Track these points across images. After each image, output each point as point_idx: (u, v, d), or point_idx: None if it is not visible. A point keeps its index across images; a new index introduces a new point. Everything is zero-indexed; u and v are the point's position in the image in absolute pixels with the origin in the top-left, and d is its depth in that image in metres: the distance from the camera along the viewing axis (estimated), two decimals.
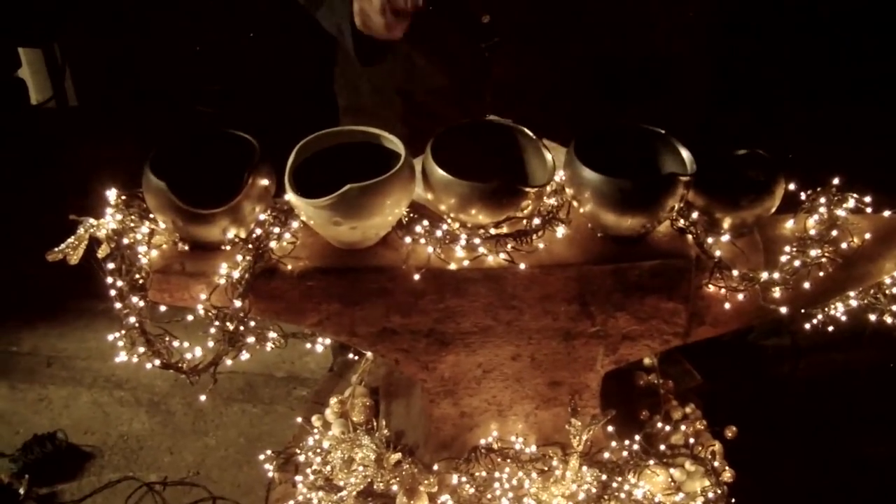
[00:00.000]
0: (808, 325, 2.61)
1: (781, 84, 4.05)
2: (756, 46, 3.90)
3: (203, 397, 2.34)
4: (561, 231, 2.27)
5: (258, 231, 2.20)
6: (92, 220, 2.19)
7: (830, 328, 2.60)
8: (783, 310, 2.32)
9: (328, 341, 2.43)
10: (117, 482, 3.49)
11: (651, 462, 2.67)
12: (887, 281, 2.47)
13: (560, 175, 2.27)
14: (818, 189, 2.41)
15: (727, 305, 2.33)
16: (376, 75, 2.77)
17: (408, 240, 2.23)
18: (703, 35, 3.16)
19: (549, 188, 2.24)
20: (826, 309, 2.58)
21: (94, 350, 4.25)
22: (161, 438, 3.73)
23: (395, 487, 2.64)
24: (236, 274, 2.14)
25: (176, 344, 2.19)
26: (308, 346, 2.47)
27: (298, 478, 2.78)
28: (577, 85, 2.80)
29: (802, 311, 2.53)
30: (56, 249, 2.20)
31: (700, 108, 3.31)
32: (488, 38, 2.58)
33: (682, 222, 2.30)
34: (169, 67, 4.85)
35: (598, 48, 2.74)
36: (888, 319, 2.53)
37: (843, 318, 2.58)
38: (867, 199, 2.41)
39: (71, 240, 2.20)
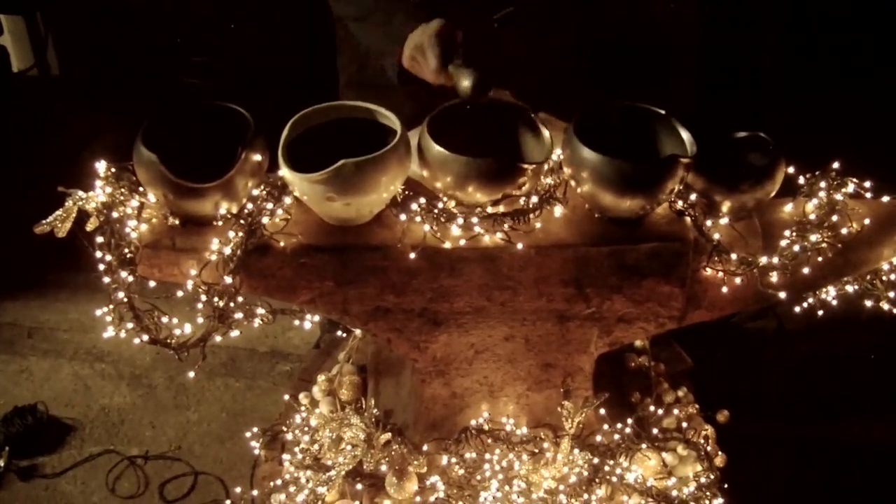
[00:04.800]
0: (798, 308, 2.59)
1: (778, 71, 4.03)
2: (750, 35, 3.89)
3: (191, 374, 2.31)
4: (558, 211, 2.24)
5: (250, 206, 2.16)
6: (81, 193, 2.15)
7: (820, 312, 2.58)
8: (781, 295, 2.30)
9: (317, 318, 2.40)
10: (98, 455, 3.46)
11: (643, 446, 2.66)
12: (885, 267, 2.46)
13: (558, 153, 2.24)
14: (817, 173, 2.39)
15: (724, 289, 2.32)
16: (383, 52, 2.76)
17: (403, 217, 2.20)
18: (696, 23, 3.15)
19: (546, 165, 2.21)
20: (818, 293, 2.56)
21: (76, 322, 4.21)
22: (142, 412, 3.70)
23: (384, 467, 2.62)
24: (228, 250, 2.11)
25: (164, 320, 2.16)
26: (296, 322, 2.44)
27: (285, 456, 2.76)
28: (576, 69, 2.78)
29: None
30: (44, 222, 2.16)
31: (692, 96, 3.30)
32: (499, 8, 2.55)
33: (680, 205, 2.27)
34: (154, 38, 4.80)
35: (596, 33, 2.71)
36: (885, 306, 2.52)
37: (835, 303, 2.57)
38: (867, 184, 2.39)
39: (59, 212, 2.16)
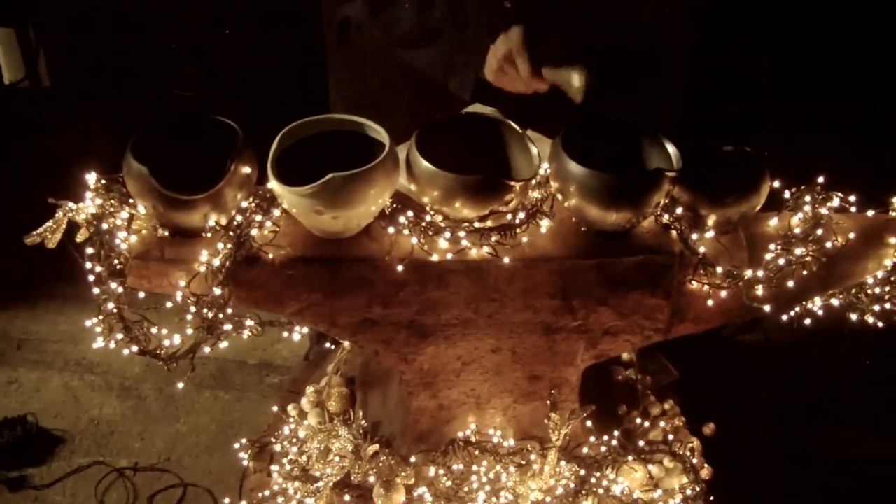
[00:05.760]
0: (784, 318, 2.59)
1: (764, 79, 4.04)
2: (736, 40, 3.89)
3: (180, 385, 2.33)
4: (545, 224, 2.25)
5: (239, 218, 2.17)
6: (71, 204, 2.16)
7: (807, 321, 2.58)
8: (766, 308, 2.32)
9: (305, 330, 2.41)
10: (87, 467, 3.46)
11: (629, 458, 2.67)
12: (869, 281, 2.47)
13: (545, 168, 2.26)
14: (802, 187, 2.41)
15: (710, 302, 2.33)
16: (387, 68, 2.76)
17: (391, 230, 2.21)
18: (685, 29, 3.15)
19: (533, 181, 2.22)
20: (803, 305, 2.57)
21: (66, 333, 4.21)
22: (132, 424, 3.70)
23: (371, 479, 2.63)
24: (216, 261, 2.12)
25: (154, 331, 2.16)
26: (284, 334, 2.45)
27: (274, 467, 2.77)
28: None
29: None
30: (34, 233, 2.17)
31: (679, 103, 3.30)
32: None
33: (666, 218, 2.28)
34: (145, 50, 4.80)
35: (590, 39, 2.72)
36: (869, 319, 2.53)
37: (820, 313, 2.57)
38: (851, 198, 2.40)
39: (49, 223, 2.17)
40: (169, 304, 2.17)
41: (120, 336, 2.12)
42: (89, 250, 2.10)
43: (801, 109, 4.02)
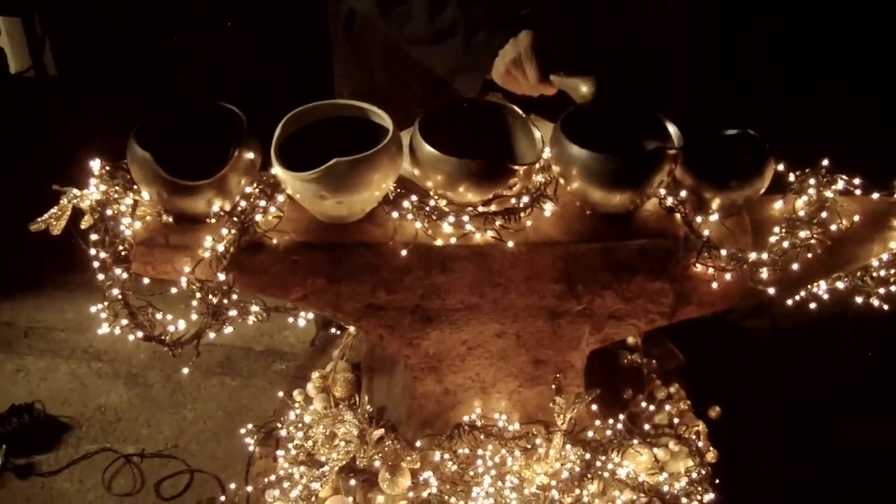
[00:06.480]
0: (789, 302, 2.59)
1: (766, 72, 4.03)
2: (740, 35, 3.88)
3: (185, 370, 2.33)
4: (549, 209, 2.25)
5: (243, 204, 2.17)
6: (75, 191, 2.16)
7: (812, 306, 2.58)
8: (770, 290, 2.31)
9: (311, 316, 2.41)
10: (95, 454, 3.47)
11: (635, 441, 2.67)
12: (874, 264, 2.47)
13: (548, 152, 2.25)
14: (807, 170, 2.40)
15: (714, 285, 2.32)
16: (396, 61, 2.76)
17: (395, 215, 2.21)
18: (688, 25, 3.15)
19: (537, 166, 2.22)
20: (808, 288, 2.57)
21: (73, 321, 4.23)
22: (139, 411, 3.71)
23: (377, 463, 2.63)
24: (221, 247, 2.12)
25: (159, 317, 2.16)
26: (290, 320, 2.44)
27: (280, 452, 2.77)
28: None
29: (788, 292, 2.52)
30: (39, 220, 2.17)
31: (680, 100, 3.30)
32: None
33: (670, 201, 2.28)
34: (150, 39, 4.80)
35: (592, 34, 2.72)
36: (875, 302, 2.53)
37: (825, 297, 2.57)
38: (856, 181, 2.40)
39: (54, 210, 2.17)
40: (174, 290, 2.17)
41: (125, 322, 2.12)
42: (94, 237, 2.10)
43: (803, 109, 4.00)
